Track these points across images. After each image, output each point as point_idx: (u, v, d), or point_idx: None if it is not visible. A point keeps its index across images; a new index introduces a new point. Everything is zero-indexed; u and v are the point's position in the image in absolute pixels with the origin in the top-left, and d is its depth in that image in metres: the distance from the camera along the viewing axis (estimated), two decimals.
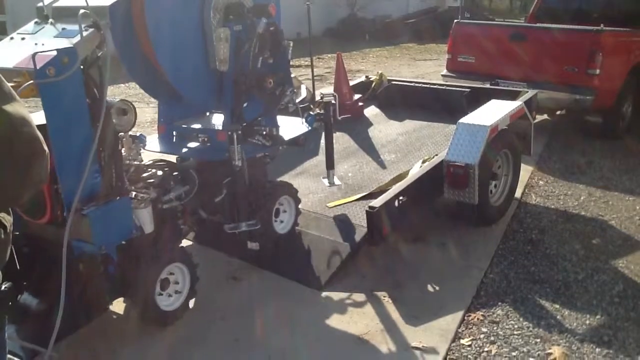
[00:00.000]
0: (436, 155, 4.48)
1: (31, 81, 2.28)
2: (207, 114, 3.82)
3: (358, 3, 26.96)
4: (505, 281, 3.74)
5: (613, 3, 8.30)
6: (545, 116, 8.14)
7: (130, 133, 2.93)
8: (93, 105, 2.50)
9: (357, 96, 5.91)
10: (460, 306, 3.41)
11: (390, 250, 4.03)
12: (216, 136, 3.47)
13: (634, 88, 7.42)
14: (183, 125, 3.67)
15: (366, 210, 3.64)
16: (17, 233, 2.61)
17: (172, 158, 3.66)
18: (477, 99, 5.45)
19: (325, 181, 4.25)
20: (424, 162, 4.45)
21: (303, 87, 4.22)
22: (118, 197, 2.66)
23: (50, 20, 2.71)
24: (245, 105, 3.41)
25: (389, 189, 3.98)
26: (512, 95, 5.26)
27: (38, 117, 2.43)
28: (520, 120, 4.61)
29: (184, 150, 3.56)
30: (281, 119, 3.81)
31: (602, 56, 6.57)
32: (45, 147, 1.30)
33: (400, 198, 3.87)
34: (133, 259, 2.82)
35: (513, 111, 4.38)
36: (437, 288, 3.62)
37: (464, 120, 4.21)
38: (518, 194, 5.11)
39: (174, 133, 3.68)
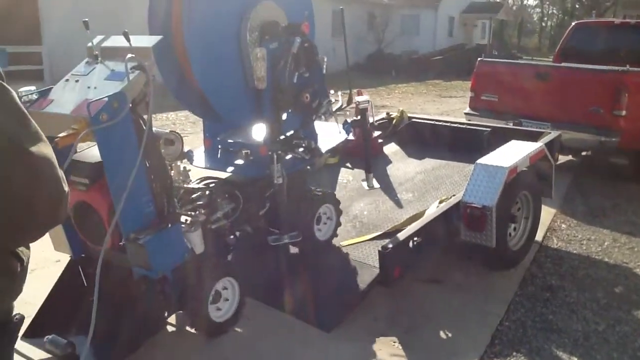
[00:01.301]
0: (454, 195, 4.40)
1: (87, 129, 2.43)
2: (252, 127, 3.84)
3: (386, 39, 27.26)
4: (522, 329, 3.60)
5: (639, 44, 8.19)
6: (569, 157, 8.01)
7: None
8: (142, 140, 2.64)
9: (376, 133, 5.88)
10: (474, 355, 3.29)
11: (403, 292, 3.94)
12: (259, 151, 3.56)
13: None
14: (228, 140, 3.78)
15: (379, 251, 3.56)
16: (83, 255, 3.10)
17: (218, 173, 3.78)
18: (498, 138, 5.38)
19: (365, 184, 4.31)
20: (441, 202, 4.36)
21: (339, 95, 4.24)
22: (170, 225, 2.81)
23: (99, 59, 2.86)
24: (284, 118, 3.56)
25: (403, 229, 3.91)
26: (534, 136, 5.17)
27: (94, 153, 2.74)
28: (541, 162, 4.52)
29: (228, 166, 3.69)
30: (319, 127, 3.94)
31: (628, 97, 6.46)
32: (66, 187, 1.30)
33: (415, 239, 3.79)
34: (186, 278, 3.02)
35: (533, 152, 4.29)
36: (450, 335, 3.50)
37: (482, 160, 4.13)
38: (539, 237, 4.99)
39: (219, 147, 3.81)
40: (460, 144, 5.59)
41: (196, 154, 3.71)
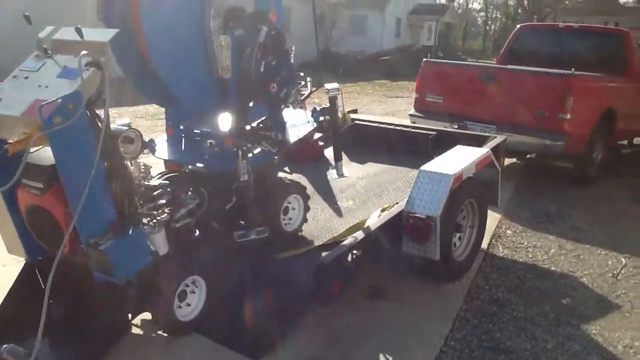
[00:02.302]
0: (396, 203, 4.12)
1: (40, 134, 2.31)
2: (218, 116, 3.63)
3: (333, 38, 27.07)
4: (468, 349, 3.34)
5: (584, 47, 8.18)
6: (514, 160, 7.91)
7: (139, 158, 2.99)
8: (99, 141, 2.51)
9: (317, 135, 5.55)
10: None
11: (342, 308, 3.62)
12: (223, 141, 3.40)
13: (604, 134, 7.24)
14: (192, 129, 3.61)
15: (315, 265, 3.25)
16: (41, 258, 2.96)
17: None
18: (443, 142, 5.15)
19: (334, 172, 4.15)
20: (382, 210, 4.08)
21: (308, 82, 4.04)
22: (132, 228, 2.70)
23: (49, 53, 2.68)
24: (250, 107, 3.44)
25: (343, 241, 3.60)
26: (480, 140, 4.96)
27: (49, 155, 2.54)
28: (488, 168, 4.29)
29: (192, 158, 3.53)
30: (286, 116, 3.85)
31: (573, 100, 6.36)
32: None
33: (355, 252, 3.50)
34: (151, 279, 2.90)
35: (479, 159, 4.06)
36: (390, 358, 3.20)
37: (426, 167, 3.87)
38: (484, 244, 4.77)
39: (182, 136, 3.64)
40: (404, 147, 5.33)
41: (158, 143, 3.53)
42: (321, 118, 4.03)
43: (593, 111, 6.90)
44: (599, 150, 7.28)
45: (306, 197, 3.94)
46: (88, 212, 2.49)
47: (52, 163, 2.54)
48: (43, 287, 2.96)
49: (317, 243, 3.83)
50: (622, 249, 5.08)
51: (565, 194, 6.78)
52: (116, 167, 2.68)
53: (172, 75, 3.12)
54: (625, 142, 9.16)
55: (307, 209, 3.95)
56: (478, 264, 4.51)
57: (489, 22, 64.03)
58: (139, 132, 2.78)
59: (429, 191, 3.72)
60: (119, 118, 3.12)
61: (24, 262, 3.07)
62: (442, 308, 3.79)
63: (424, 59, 7.88)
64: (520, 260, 4.77)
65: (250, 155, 3.44)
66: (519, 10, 53.93)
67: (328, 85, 4.06)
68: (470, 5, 65.82)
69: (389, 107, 14.22)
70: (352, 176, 5.00)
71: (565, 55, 8.17)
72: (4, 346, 2.63)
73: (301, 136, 3.83)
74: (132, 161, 2.94)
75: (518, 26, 9.25)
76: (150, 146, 3.05)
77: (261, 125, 3.61)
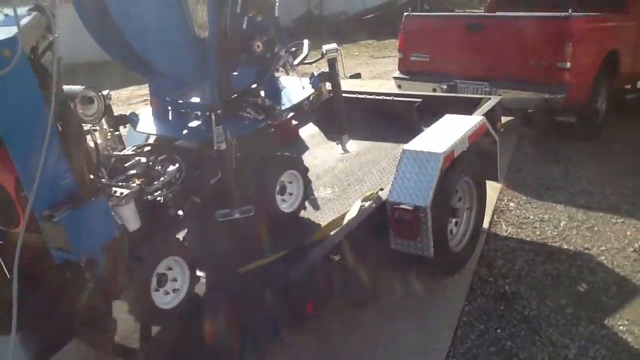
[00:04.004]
0: (381, 189, 3.51)
1: None
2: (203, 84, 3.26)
3: (313, 1, 26.05)
4: None
5: None
6: (510, 117, 7.26)
7: (119, 114, 2.77)
8: (49, 98, 2.17)
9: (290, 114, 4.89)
10: None
11: (322, 321, 3.05)
12: (205, 111, 2.98)
13: (608, 80, 6.58)
14: (178, 101, 3.21)
15: (282, 283, 2.67)
16: (1, 242, 2.66)
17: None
18: (431, 109, 4.52)
19: (339, 147, 3.86)
20: (364, 200, 3.47)
21: (305, 43, 3.61)
22: (93, 198, 2.37)
23: None
24: (235, 73, 3.05)
25: (318, 244, 3.01)
26: (472, 104, 4.31)
27: None
28: (483, 138, 3.66)
29: (172, 129, 3.22)
30: (283, 83, 3.52)
31: (573, 46, 5.67)
32: None
33: (334, 257, 2.91)
34: (121, 259, 2.51)
35: (472, 130, 3.42)
36: None
37: (411, 146, 3.25)
38: (485, 222, 4.17)
39: (168, 108, 3.27)
40: (387, 119, 4.66)
41: (141, 117, 3.22)
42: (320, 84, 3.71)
43: (595, 56, 6.20)
44: (603, 98, 6.62)
45: (305, 172, 3.45)
46: (40, 180, 2.16)
47: None
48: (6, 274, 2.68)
49: (285, 249, 3.19)
50: (639, 214, 4.49)
51: (570, 152, 6.14)
52: (72, 129, 2.33)
53: (138, 33, 2.70)
54: (628, 86, 8.49)
55: (307, 186, 3.47)
56: (480, 248, 3.93)
57: None
58: (100, 93, 2.47)
59: (415, 175, 3.11)
60: None
61: None
62: (440, 313, 3.23)
63: (405, 14, 7.15)
64: (527, 239, 4.18)
65: (231, 121, 3.03)
66: None
67: (326, 47, 3.73)
68: None
69: (377, 69, 13.45)
70: (331, 159, 4.36)
71: None
72: None
73: (295, 103, 3.46)
74: (98, 128, 2.70)
75: None
76: (131, 120, 2.87)
77: (249, 91, 3.21)
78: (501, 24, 6.42)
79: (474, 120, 3.57)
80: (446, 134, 3.36)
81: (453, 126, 3.48)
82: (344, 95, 4.59)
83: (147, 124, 3.27)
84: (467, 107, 4.26)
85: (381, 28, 22.52)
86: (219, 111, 2.89)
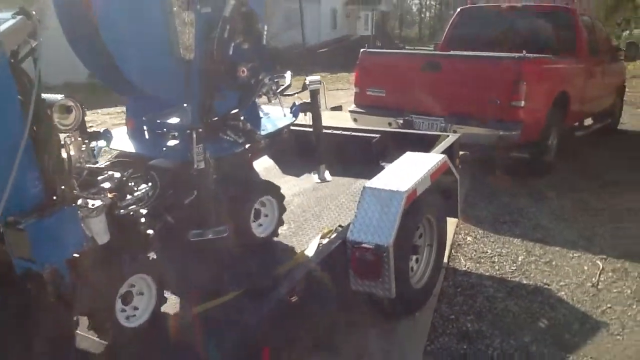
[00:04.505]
0: (340, 226, 3.42)
1: None
2: (185, 105, 3.24)
3: (269, 31, 26.18)
4: None
5: (529, 28, 7.69)
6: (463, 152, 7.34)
7: (92, 130, 2.68)
8: (27, 104, 2.14)
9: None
10: None
11: None
12: (185, 132, 3.02)
13: (559, 119, 6.75)
14: (155, 120, 3.28)
15: (235, 328, 2.53)
16: None
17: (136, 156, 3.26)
18: (388, 144, 4.50)
19: (316, 177, 3.85)
20: (323, 237, 3.37)
21: (288, 74, 3.60)
22: (63, 207, 2.30)
23: None
24: (217, 97, 3.06)
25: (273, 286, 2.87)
26: (430, 140, 4.31)
27: None
28: (444, 176, 3.63)
29: (150, 148, 3.23)
30: (265, 110, 3.58)
31: (527, 86, 5.80)
32: None
33: (292, 298, 2.78)
34: (87, 273, 2.41)
35: (434, 168, 3.38)
36: None
37: (372, 183, 3.17)
38: (444, 257, 4.12)
39: (144, 128, 3.30)
40: (345, 153, 4.60)
41: (115, 134, 3.15)
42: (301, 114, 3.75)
43: (547, 95, 6.38)
44: (554, 135, 6.79)
45: (281, 199, 3.46)
46: (7, 185, 2.09)
47: None
48: None
49: (237, 289, 3.02)
50: (594, 249, 4.54)
51: (523, 187, 6.24)
52: (47, 137, 2.27)
53: (123, 53, 2.70)
54: (577, 124, 8.76)
55: (282, 212, 3.47)
56: (440, 284, 3.86)
57: (424, 10, 64.41)
58: (78, 103, 2.45)
59: (377, 214, 3.02)
60: None
61: None
62: (403, 355, 3.11)
63: (362, 50, 7.19)
64: (487, 274, 4.15)
65: (211, 142, 3.04)
66: None
67: (309, 78, 3.80)
68: None
69: (330, 101, 13.53)
70: (287, 193, 4.23)
71: (509, 37, 7.65)
72: None
73: (275, 130, 3.49)
74: (72, 139, 2.58)
75: (458, 9, 8.69)
76: (105, 137, 2.78)
77: (230, 115, 3.21)
78: (457, 62, 6.53)
79: (435, 158, 3.54)
80: (408, 171, 3.31)
81: (414, 164, 3.44)
82: (304, 129, 4.54)
83: (122, 142, 3.27)
84: (425, 143, 4.25)
85: (334, 62, 22.92)
86: (200, 130, 2.89)
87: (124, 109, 3.99)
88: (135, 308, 2.61)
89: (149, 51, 2.82)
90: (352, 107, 7.20)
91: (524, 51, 5.86)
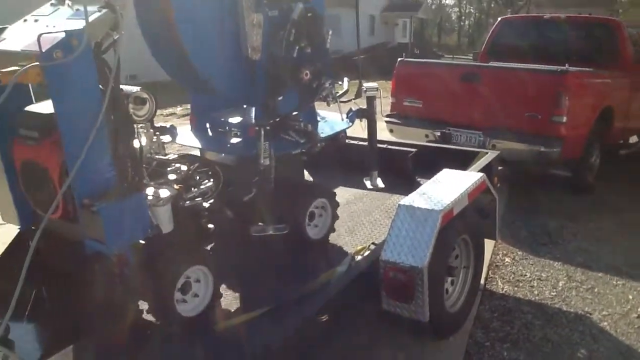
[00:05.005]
0: (373, 244, 3.32)
1: (33, 64, 2.07)
2: (245, 106, 3.38)
3: None
4: None
5: (572, 40, 7.44)
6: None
7: (159, 124, 2.82)
8: (106, 92, 2.25)
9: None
10: None
11: None
12: (247, 131, 3.15)
13: (602, 135, 6.50)
14: (219, 118, 3.38)
15: (261, 345, 2.44)
16: (33, 227, 2.65)
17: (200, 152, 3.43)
18: (425, 159, 4.37)
19: (368, 183, 3.84)
20: (356, 253, 3.27)
21: (345, 80, 3.78)
22: (133, 194, 2.41)
23: (67, 2, 2.52)
24: (280, 98, 3.11)
25: (300, 302, 2.79)
26: (468, 157, 4.16)
27: (46, 106, 2.41)
28: (482, 195, 3.48)
29: (214, 144, 3.36)
30: (322, 114, 3.61)
31: (569, 100, 5.59)
32: None
33: (321, 317, 2.69)
34: (150, 260, 2.55)
35: (472, 186, 3.24)
36: None
37: (407, 201, 3.05)
38: (481, 279, 3.96)
39: (207, 125, 3.43)
40: (381, 167, 4.47)
41: (180, 131, 3.22)
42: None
43: (590, 110, 6.15)
44: (597, 153, 6.54)
45: (335, 204, 3.52)
46: (85, 169, 2.21)
47: (51, 112, 2.27)
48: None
49: (264, 307, 2.86)
50: None
51: (564, 206, 6.01)
52: (123, 125, 2.38)
53: (201, 56, 2.83)
54: (621, 141, 8.45)
55: (335, 216, 3.53)
56: (476, 308, 3.71)
57: (463, 17, 63.68)
58: (152, 95, 2.54)
59: (412, 233, 2.90)
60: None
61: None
62: None
63: (399, 59, 7.06)
64: (525, 298, 3.97)
65: (275, 140, 3.13)
66: (492, 5, 53.76)
67: (367, 85, 3.82)
68: (443, 1, 65.44)
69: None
70: None
71: (551, 49, 7.43)
72: None
73: (333, 133, 3.53)
74: (145, 130, 2.75)
75: (499, 19, 8.49)
76: (171, 132, 2.90)
77: (290, 116, 3.31)
78: (497, 74, 6.35)
79: (473, 176, 3.40)
80: (445, 189, 3.17)
81: (452, 181, 3.30)
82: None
83: (187, 138, 3.39)
84: (462, 159, 4.11)
85: (372, 68, 22.82)
86: (268, 127, 3.00)
87: (175, 109, 4.00)
88: (195, 295, 2.69)
89: (221, 51, 2.93)
90: (388, 114, 7.07)
91: (566, 64, 5.64)
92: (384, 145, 4.65)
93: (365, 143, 4.75)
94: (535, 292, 4.05)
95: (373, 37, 31.99)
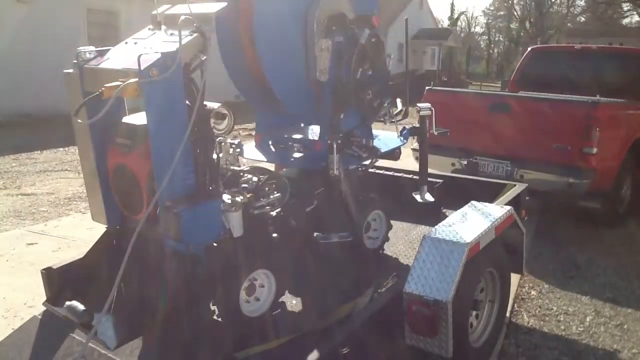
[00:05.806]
0: (395, 276, 3.29)
1: (132, 80, 2.32)
2: (302, 124, 3.77)
3: None
4: None
5: (603, 71, 7.38)
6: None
7: (230, 140, 3.04)
8: (192, 108, 2.53)
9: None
10: None
11: None
12: (313, 146, 3.42)
13: (633, 168, 6.39)
14: (284, 135, 3.63)
15: None
16: (118, 227, 2.97)
17: (269, 166, 3.61)
18: (451, 190, 4.35)
19: (418, 197, 3.93)
20: (378, 286, 3.25)
21: (399, 101, 3.91)
22: (209, 200, 2.66)
23: (163, 27, 2.80)
24: (342, 116, 3.37)
25: (321, 333, 2.78)
26: (496, 189, 4.13)
27: (140, 118, 2.64)
28: (510, 229, 3.45)
29: (283, 158, 3.60)
30: (376, 132, 3.79)
31: (600, 132, 5.52)
32: None
33: (343, 350, 2.67)
34: (220, 261, 2.71)
35: (500, 220, 3.21)
36: None
37: (433, 233, 3.03)
38: (507, 312, 3.90)
39: (270, 142, 3.66)
40: (405, 197, 4.46)
41: (246, 148, 3.55)
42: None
43: (621, 143, 6.06)
44: (628, 185, 6.43)
45: (389, 215, 3.72)
46: (169, 176, 2.44)
47: (144, 123, 2.52)
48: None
49: (284, 335, 2.84)
50: None
51: (592, 239, 5.91)
52: (204, 137, 2.64)
53: (277, 78, 3.15)
54: None
55: (389, 227, 3.73)
56: (500, 343, 3.65)
57: (492, 46, 63.54)
58: (230, 111, 2.76)
59: (437, 266, 2.88)
60: None
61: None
62: None
63: (427, 87, 7.07)
64: (551, 333, 3.89)
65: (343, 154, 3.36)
66: (522, 33, 53.61)
67: (420, 104, 3.96)
68: (472, 29, 65.55)
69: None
70: None
71: (582, 80, 7.38)
72: (67, 303, 2.77)
73: (390, 149, 3.78)
74: (222, 143, 2.99)
75: (529, 48, 8.48)
76: (239, 147, 3.11)
77: (351, 133, 3.55)
78: (527, 104, 6.30)
79: (501, 210, 3.36)
80: (471, 222, 3.15)
81: (478, 214, 3.28)
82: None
83: (254, 153, 3.63)
84: (490, 191, 4.09)
85: (399, 95, 22.81)
86: (339, 141, 3.23)
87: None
88: (257, 299, 2.87)
89: (295, 74, 3.23)
90: (415, 145, 7.05)
91: (597, 95, 5.59)
92: (410, 176, 4.64)
93: (389, 173, 4.80)
94: (562, 327, 3.98)
95: (402, 64, 32.09)
